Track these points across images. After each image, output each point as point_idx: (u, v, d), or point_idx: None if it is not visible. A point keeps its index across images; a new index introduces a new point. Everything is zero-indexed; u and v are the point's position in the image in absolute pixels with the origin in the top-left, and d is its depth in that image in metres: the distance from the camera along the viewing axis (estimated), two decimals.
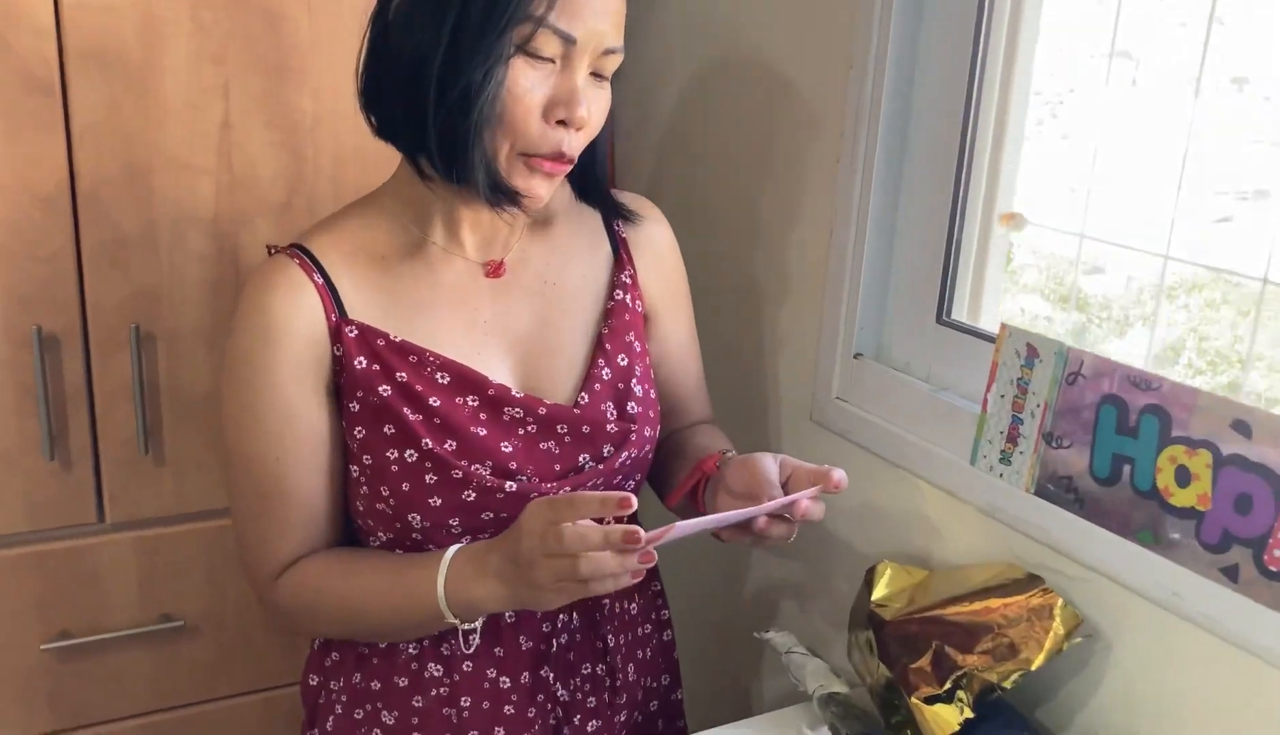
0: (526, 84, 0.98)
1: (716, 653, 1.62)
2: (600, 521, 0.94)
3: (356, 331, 1.05)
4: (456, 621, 1.02)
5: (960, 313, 1.27)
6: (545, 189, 1.04)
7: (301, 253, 1.06)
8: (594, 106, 1.03)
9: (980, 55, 1.18)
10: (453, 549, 1.02)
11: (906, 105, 1.26)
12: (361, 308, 1.06)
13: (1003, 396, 1.13)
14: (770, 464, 1.07)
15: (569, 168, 1.05)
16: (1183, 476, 0.96)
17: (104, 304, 1.30)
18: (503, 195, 1.02)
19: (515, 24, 0.96)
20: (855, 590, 1.26)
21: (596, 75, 1.03)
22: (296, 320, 1.03)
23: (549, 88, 1.00)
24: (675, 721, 1.33)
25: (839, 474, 1.02)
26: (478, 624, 1.04)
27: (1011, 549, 1.13)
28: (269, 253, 1.09)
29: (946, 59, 1.21)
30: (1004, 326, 1.12)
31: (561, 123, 1.00)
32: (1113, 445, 1.03)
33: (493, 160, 1.00)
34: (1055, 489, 1.08)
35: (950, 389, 1.25)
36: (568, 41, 0.98)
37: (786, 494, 1.05)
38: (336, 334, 1.05)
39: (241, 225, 1.34)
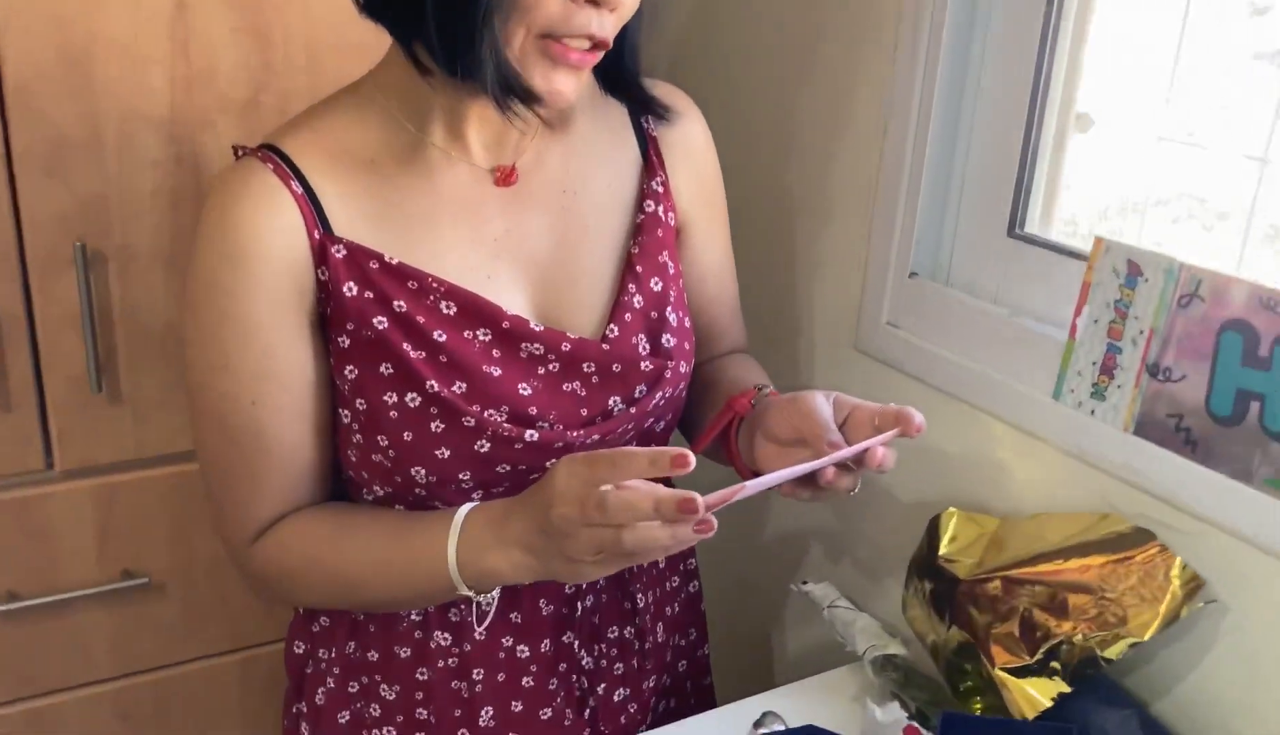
0: None
1: (739, 602, 1.48)
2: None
3: (345, 251, 0.88)
4: (470, 593, 0.87)
5: (1032, 224, 1.11)
6: (571, 85, 0.86)
7: (275, 155, 0.88)
8: None
9: None
10: (464, 509, 0.87)
11: None
12: (349, 222, 0.89)
13: (1096, 321, 0.98)
14: (823, 403, 0.91)
15: (598, 58, 0.87)
16: None
17: (41, 218, 1.12)
18: (516, 95, 0.84)
19: None
20: (901, 541, 1.12)
21: None
22: (272, 238, 0.86)
23: None
24: (702, 679, 1.20)
25: (919, 417, 0.86)
26: (494, 594, 0.89)
27: (1105, 497, 0.98)
28: (235, 155, 0.91)
29: None
30: (1099, 240, 0.97)
31: (591, 1, 0.83)
32: (1237, 379, 0.88)
33: (504, 49, 0.82)
34: (1161, 428, 0.93)
35: (1023, 312, 1.09)
36: None
37: (846, 438, 0.90)
38: (321, 254, 0.87)
39: (201, 126, 1.16)
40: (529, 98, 0.85)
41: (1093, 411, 0.98)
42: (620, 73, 0.98)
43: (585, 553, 0.78)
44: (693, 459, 0.76)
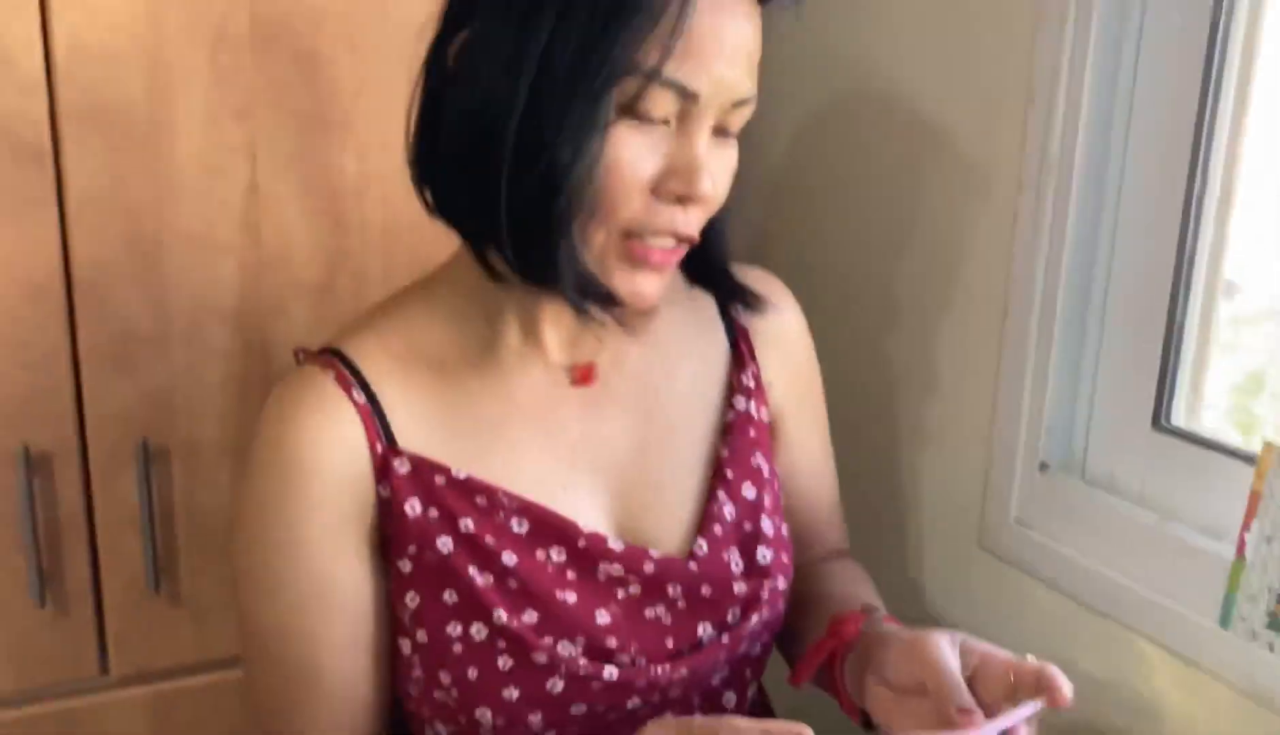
0: (630, 156, 0.73)
1: None
2: None
3: (409, 466, 0.80)
4: None
5: (1178, 415, 0.98)
6: (654, 286, 0.78)
7: (339, 360, 0.81)
8: (720, 172, 0.78)
9: (1214, 80, 0.90)
10: None
11: (1105, 148, 0.97)
12: (415, 431, 0.81)
13: (1269, 540, 0.83)
14: (948, 652, 0.75)
15: (680, 253, 0.79)
16: None
17: (106, 414, 1.07)
18: (594, 299, 0.77)
19: (618, 78, 0.70)
20: None
21: (720, 131, 0.77)
22: (330, 454, 0.79)
23: (661, 156, 0.74)
24: None
25: (1067, 687, 0.72)
26: None
27: None
28: (297, 361, 0.84)
29: (1164, 84, 0.93)
30: (1269, 446, 0.83)
31: (678, 199, 0.75)
32: None
33: (584, 253, 0.75)
34: None
35: (1175, 516, 0.95)
36: (688, 97, 0.73)
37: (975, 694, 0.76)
38: (383, 469, 0.80)
39: (273, 313, 1.11)
40: (608, 302, 0.77)
41: (1271, 646, 0.83)
42: (708, 263, 0.90)
43: None
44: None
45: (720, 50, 0.73)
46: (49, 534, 1.07)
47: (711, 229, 0.85)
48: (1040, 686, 0.72)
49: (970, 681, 0.75)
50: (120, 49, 1.00)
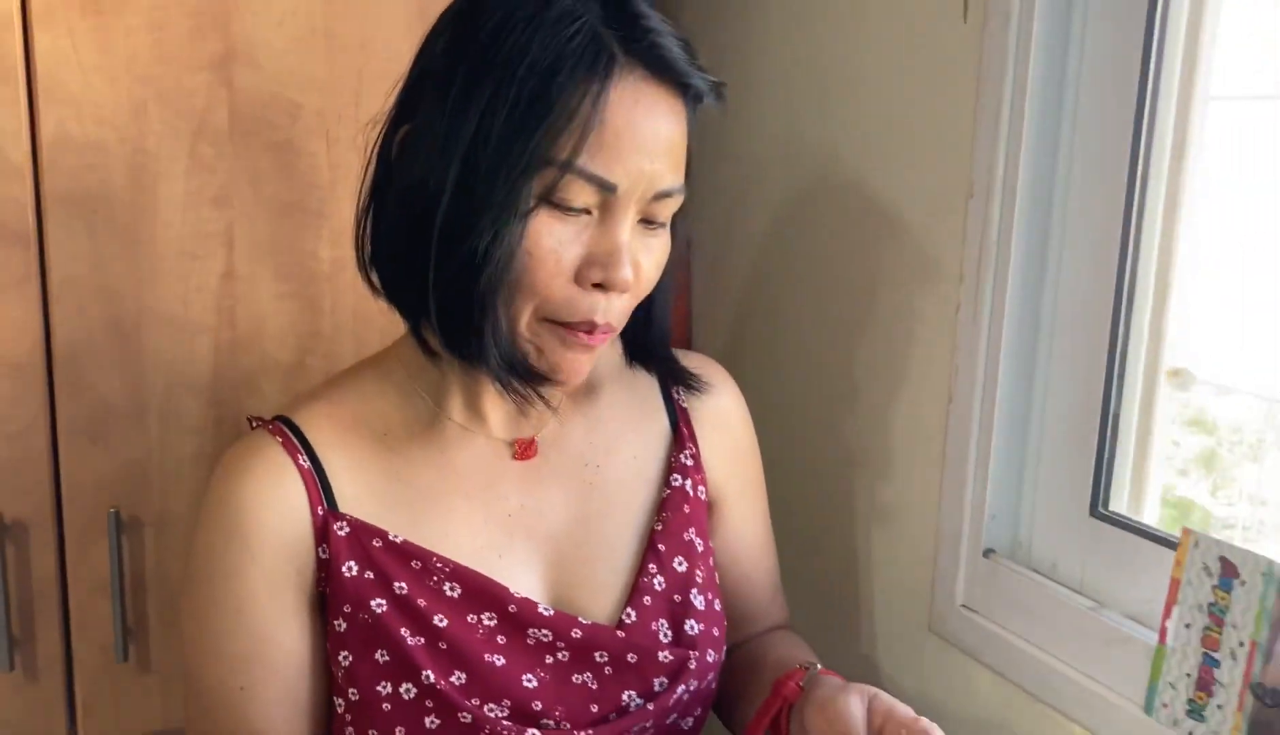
0: (551, 243, 0.77)
1: None
2: None
3: (347, 529, 0.84)
4: None
5: (1119, 502, 0.99)
6: (582, 364, 0.82)
7: (286, 427, 0.85)
8: (645, 260, 0.81)
9: (1141, 167, 0.93)
10: None
11: (1043, 240, 1.00)
12: (356, 497, 0.85)
13: (1188, 626, 0.84)
14: (856, 708, 0.79)
15: (609, 339, 0.83)
16: None
17: (81, 485, 1.11)
18: (518, 374, 0.81)
19: (535, 169, 0.75)
20: None
21: (647, 222, 0.81)
22: (272, 514, 0.83)
23: (583, 245, 0.78)
24: None
25: None
26: None
27: None
28: (249, 425, 0.89)
29: (1096, 180, 0.96)
30: (1187, 532, 0.85)
31: (599, 286, 0.79)
32: None
33: (510, 332, 0.79)
34: None
35: (1111, 604, 0.96)
36: (606, 189, 0.77)
37: None
38: (323, 531, 0.84)
39: (245, 390, 1.15)
40: (532, 379, 0.81)
41: (1191, 733, 0.83)
42: (647, 344, 0.93)
43: None
44: None
45: (635, 145, 0.76)
46: (21, 601, 1.11)
47: (650, 312, 0.89)
48: None
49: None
50: (104, 140, 1.06)
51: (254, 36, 1.09)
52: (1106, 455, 0.98)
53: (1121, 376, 0.97)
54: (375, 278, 0.86)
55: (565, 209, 0.77)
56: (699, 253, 1.49)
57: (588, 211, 0.78)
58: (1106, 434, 0.98)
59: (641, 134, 0.77)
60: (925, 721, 0.76)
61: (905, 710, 0.78)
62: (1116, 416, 0.98)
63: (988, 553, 1.05)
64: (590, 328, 0.80)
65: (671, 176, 0.80)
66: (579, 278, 0.79)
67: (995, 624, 1.03)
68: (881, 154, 1.14)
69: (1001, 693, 1.02)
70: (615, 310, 0.80)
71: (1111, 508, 0.99)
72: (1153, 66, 0.91)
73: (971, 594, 1.06)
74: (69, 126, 1.05)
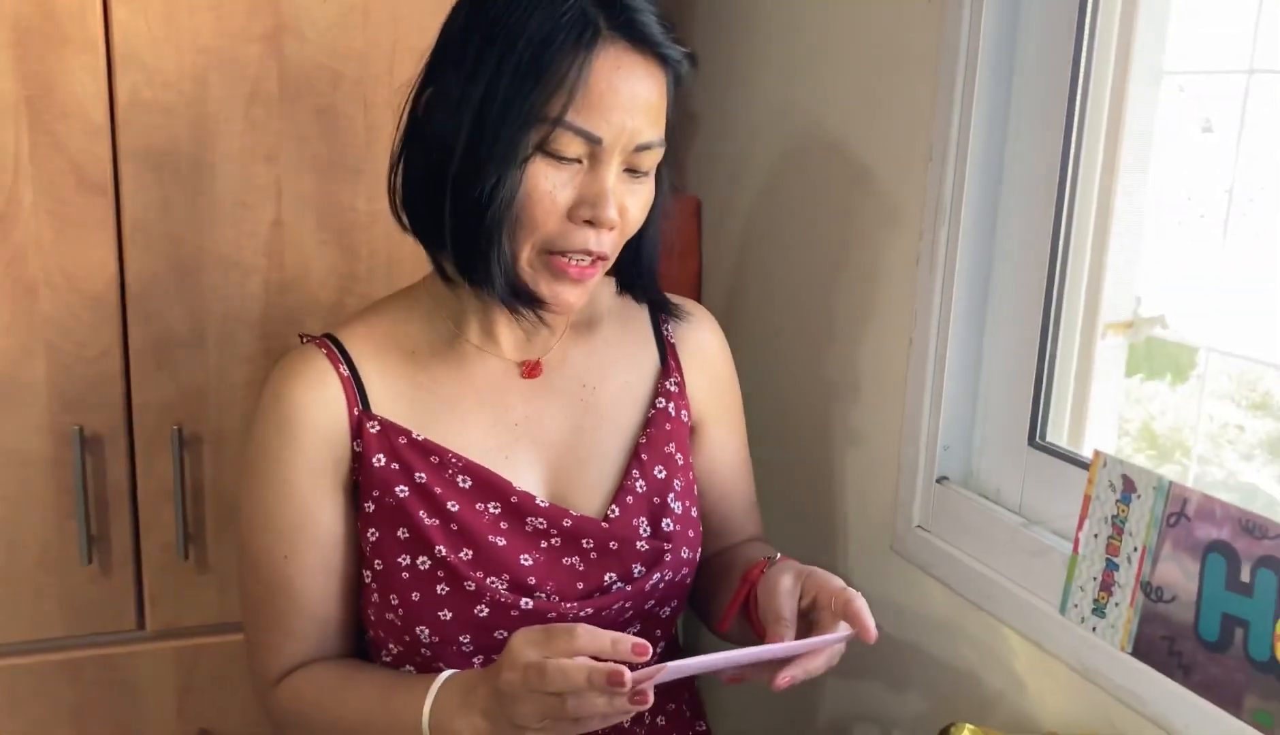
0: (548, 186, 0.92)
1: None
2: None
3: (378, 427, 1.00)
4: None
5: (1059, 435, 1.11)
6: (575, 294, 0.97)
7: (331, 342, 1.02)
8: (630, 203, 0.95)
9: (1075, 138, 1.05)
10: (445, 675, 0.93)
11: (994, 200, 1.12)
12: (387, 402, 1.01)
13: (1096, 536, 0.97)
14: (786, 585, 0.94)
15: (599, 271, 0.97)
16: None
17: (149, 404, 1.27)
18: (521, 300, 0.96)
19: (532, 124, 0.90)
20: None
21: (631, 171, 0.95)
22: (316, 412, 0.99)
23: (574, 188, 0.93)
24: None
25: (872, 628, 0.88)
26: None
27: (1108, 716, 0.96)
28: (300, 341, 1.05)
29: (1038, 144, 1.08)
30: (1098, 454, 0.97)
31: (588, 222, 0.93)
32: (1222, 603, 0.86)
33: (513, 262, 0.94)
34: (1156, 650, 0.91)
35: (1043, 523, 1.09)
36: (592, 141, 0.91)
37: (811, 620, 0.93)
38: (357, 429, 1.00)
39: (291, 325, 1.30)
40: (535, 304, 0.96)
41: (1094, 628, 0.96)
42: (637, 277, 1.07)
43: (530, 719, 0.83)
44: (649, 649, 0.81)
45: (617, 103, 0.91)
46: (98, 504, 1.28)
47: (640, 249, 1.04)
48: (848, 616, 0.88)
49: (810, 609, 0.91)
50: (171, 103, 1.21)
51: (301, 12, 1.23)
52: (1044, 393, 1.10)
53: (1058, 324, 1.09)
54: (405, 218, 1.01)
55: (559, 158, 0.91)
56: (707, 213, 1.62)
57: (579, 161, 0.92)
58: (1043, 374, 1.10)
59: (621, 94, 0.91)
60: (852, 591, 0.90)
61: (836, 582, 0.92)
62: (1054, 358, 1.10)
63: (941, 480, 1.17)
64: (583, 258, 0.94)
65: (650, 131, 0.94)
66: (571, 215, 0.93)
67: (946, 542, 1.16)
68: (856, 120, 1.26)
69: (950, 602, 1.15)
70: (604, 243, 0.95)
71: (1050, 439, 1.11)
72: (1085, 44, 1.03)
73: (926, 516, 1.19)
74: (141, 91, 1.20)
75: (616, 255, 0.99)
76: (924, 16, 1.14)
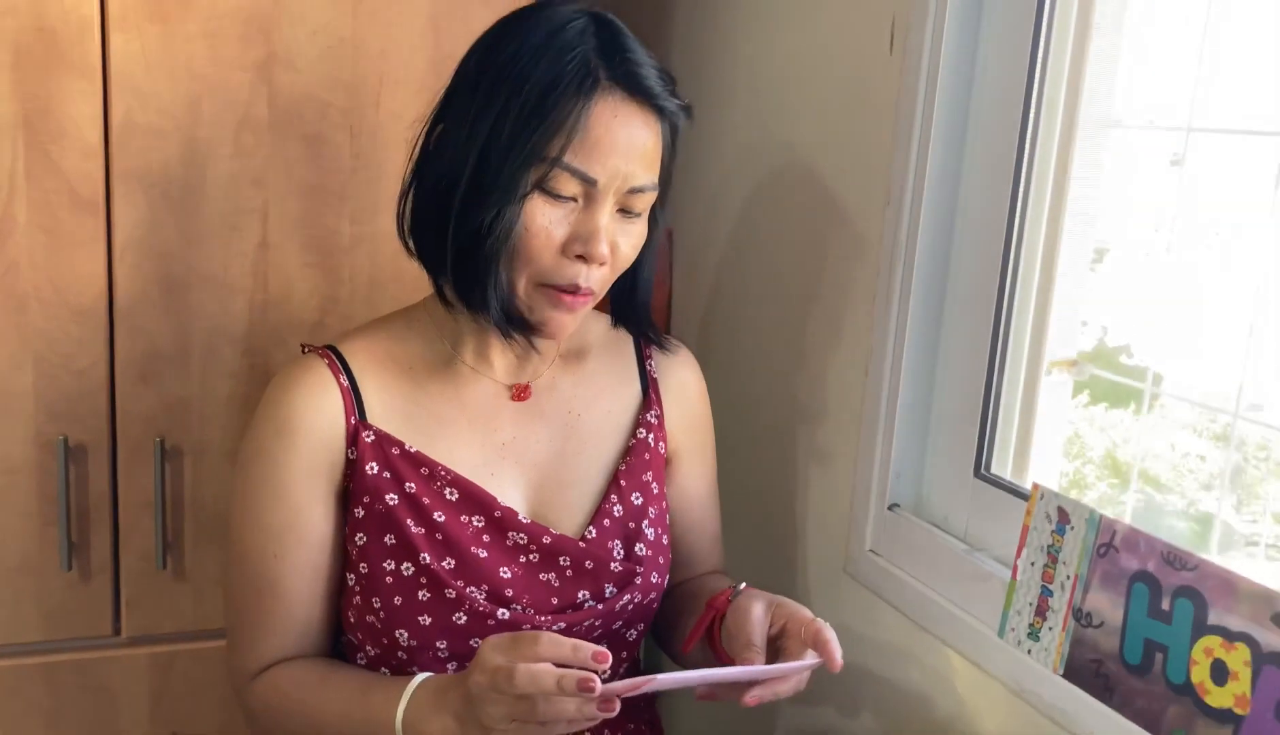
0: (544, 221, 0.98)
1: None
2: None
3: (373, 437, 1.05)
4: None
5: (1003, 466, 1.17)
6: (568, 321, 1.03)
7: (333, 353, 1.08)
8: (622, 242, 1.02)
9: (1023, 186, 1.11)
10: (420, 677, 0.98)
11: (947, 241, 1.19)
12: (383, 415, 1.07)
13: (1033, 564, 1.02)
14: (758, 613, 0.99)
15: (590, 302, 1.03)
16: (1219, 673, 0.85)
17: (133, 416, 1.31)
18: (514, 326, 1.02)
19: (532, 163, 0.96)
20: None
21: (625, 211, 1.01)
22: (315, 418, 1.05)
23: (569, 225, 0.99)
24: None
25: (838, 656, 0.94)
26: None
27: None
28: (303, 351, 1.11)
29: (989, 191, 1.14)
30: (1036, 486, 1.03)
31: (580, 257, 0.99)
32: (1144, 629, 0.91)
33: (510, 290, 1.00)
34: (1085, 672, 0.96)
35: (986, 550, 1.14)
36: (587, 182, 0.97)
37: (779, 647, 0.98)
38: (353, 437, 1.05)
39: (274, 343, 1.35)
40: (527, 330, 1.02)
41: (1029, 651, 1.02)
42: (631, 309, 1.13)
43: (498, 720, 0.88)
44: (609, 658, 0.86)
45: (613, 148, 0.97)
46: (79, 512, 1.32)
47: (635, 283, 1.10)
48: (817, 646, 0.93)
49: (779, 637, 0.96)
50: (163, 126, 1.26)
51: (292, 44, 1.28)
52: (989, 427, 1.16)
53: (1004, 360, 1.15)
54: (411, 244, 1.07)
55: (556, 196, 0.97)
56: (679, 244, 1.68)
57: (575, 199, 0.98)
58: (989, 409, 1.16)
59: (617, 140, 0.97)
60: (820, 622, 0.95)
61: (805, 612, 0.97)
62: (999, 394, 1.16)
63: (892, 506, 1.23)
64: (574, 290, 0.99)
65: (643, 176, 1.00)
66: (564, 250, 0.99)
67: (895, 567, 1.22)
68: (823, 158, 1.33)
69: (899, 624, 1.20)
70: (594, 278, 1.00)
71: (994, 471, 1.17)
72: (1034, 97, 1.09)
73: (878, 541, 1.25)
74: (135, 114, 1.25)
75: (606, 289, 1.05)
76: (884, 66, 1.20)
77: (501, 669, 0.86)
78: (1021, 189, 1.11)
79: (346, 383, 1.06)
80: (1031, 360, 1.16)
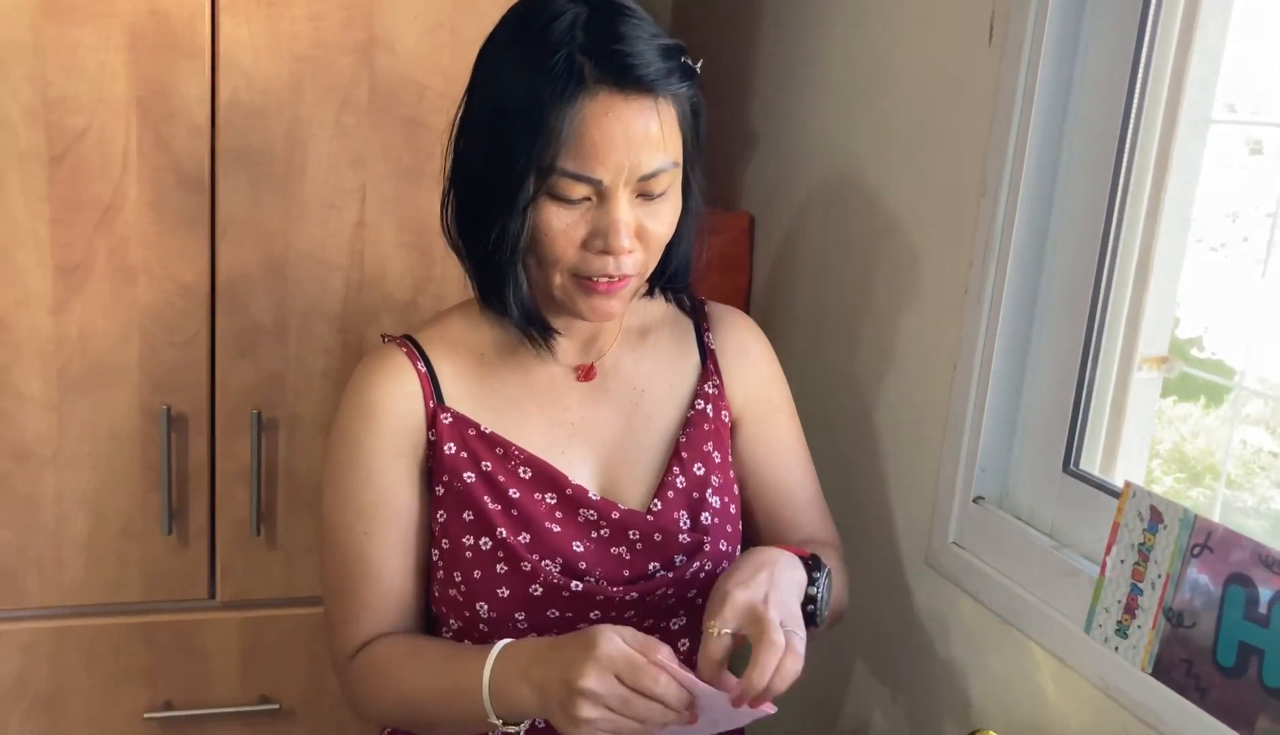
0: (560, 224, 1.00)
1: None
2: None
3: (451, 419, 1.09)
4: (498, 722, 0.99)
5: (1092, 463, 1.17)
6: (610, 305, 1.04)
7: (410, 342, 1.11)
8: (650, 224, 1.02)
9: (1123, 182, 1.10)
10: (501, 643, 1.01)
11: (1042, 236, 1.18)
12: (458, 398, 1.10)
13: (1123, 562, 1.02)
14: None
15: (629, 284, 1.04)
16: None
17: (231, 388, 1.35)
18: (535, 327, 1.07)
19: (529, 175, 0.98)
20: None
21: (645, 195, 1.01)
22: (397, 403, 1.09)
23: (587, 223, 1.00)
24: None
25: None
26: (523, 727, 1.02)
27: (1125, 732, 1.01)
28: (383, 340, 1.14)
29: (1087, 186, 1.14)
30: (1128, 485, 1.02)
31: (603, 251, 1.00)
32: (1239, 632, 0.91)
33: (546, 286, 1.04)
34: (1175, 672, 0.96)
35: (1072, 546, 1.14)
36: (592, 183, 0.98)
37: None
38: (433, 419, 1.09)
39: (367, 321, 1.38)
40: (545, 331, 1.07)
41: (1116, 648, 1.01)
42: (667, 277, 1.13)
43: (597, 696, 0.90)
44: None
45: (611, 145, 0.96)
46: (179, 479, 1.36)
47: (669, 253, 1.09)
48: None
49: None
50: (268, 107, 1.29)
51: (392, 28, 1.31)
52: (1080, 422, 1.16)
53: (1097, 356, 1.14)
54: (454, 246, 1.09)
55: (566, 200, 0.98)
56: (761, 233, 1.69)
57: (588, 198, 0.99)
58: (1081, 404, 1.15)
59: (613, 137, 0.96)
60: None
61: (772, 623, 0.95)
62: (1090, 390, 1.15)
63: (977, 499, 1.23)
64: (608, 280, 1.01)
65: (653, 160, 0.98)
66: (587, 246, 1.00)
67: (978, 559, 1.22)
68: (912, 149, 1.32)
69: (980, 617, 1.21)
70: (624, 266, 1.01)
71: (1083, 467, 1.17)
72: (1138, 93, 1.08)
73: (961, 533, 1.25)
74: (241, 95, 1.29)
75: (649, 270, 1.05)
76: (983, 57, 1.20)
77: (628, 657, 0.90)
78: (1121, 183, 1.10)
79: (424, 369, 1.10)
80: (1124, 356, 1.15)
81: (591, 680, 0.90)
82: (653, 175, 0.99)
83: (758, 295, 1.69)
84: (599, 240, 1.00)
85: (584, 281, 1.02)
